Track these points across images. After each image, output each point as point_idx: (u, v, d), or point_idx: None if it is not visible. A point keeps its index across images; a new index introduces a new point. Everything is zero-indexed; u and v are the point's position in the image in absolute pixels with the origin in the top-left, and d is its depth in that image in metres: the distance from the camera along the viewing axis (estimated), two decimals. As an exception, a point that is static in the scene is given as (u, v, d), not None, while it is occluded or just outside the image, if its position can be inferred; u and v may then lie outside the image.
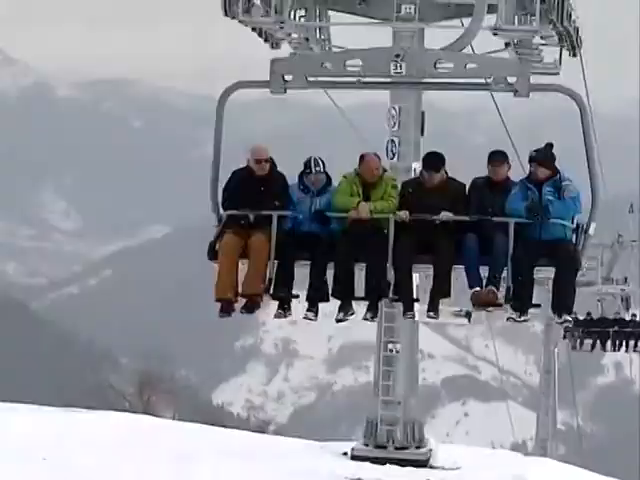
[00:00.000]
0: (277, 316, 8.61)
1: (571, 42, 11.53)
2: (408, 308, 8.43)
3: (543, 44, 12.00)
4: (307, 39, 11.26)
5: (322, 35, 11.59)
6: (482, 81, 8.09)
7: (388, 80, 7.96)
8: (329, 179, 8.66)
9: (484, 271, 8.24)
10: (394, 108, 11.48)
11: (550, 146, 8.22)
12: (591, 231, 8.08)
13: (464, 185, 8.55)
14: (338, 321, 8.43)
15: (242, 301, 8.49)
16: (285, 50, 11.20)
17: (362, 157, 8.58)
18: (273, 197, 8.46)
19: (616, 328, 30.70)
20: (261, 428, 43.56)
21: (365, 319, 8.42)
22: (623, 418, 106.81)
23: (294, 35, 11.30)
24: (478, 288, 8.14)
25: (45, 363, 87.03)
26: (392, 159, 11.60)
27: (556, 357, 32.47)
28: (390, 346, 12.29)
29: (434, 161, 8.47)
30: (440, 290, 8.26)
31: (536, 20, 10.24)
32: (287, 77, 8.23)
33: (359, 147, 10.38)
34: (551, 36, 11.28)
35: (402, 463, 12.10)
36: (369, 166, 8.46)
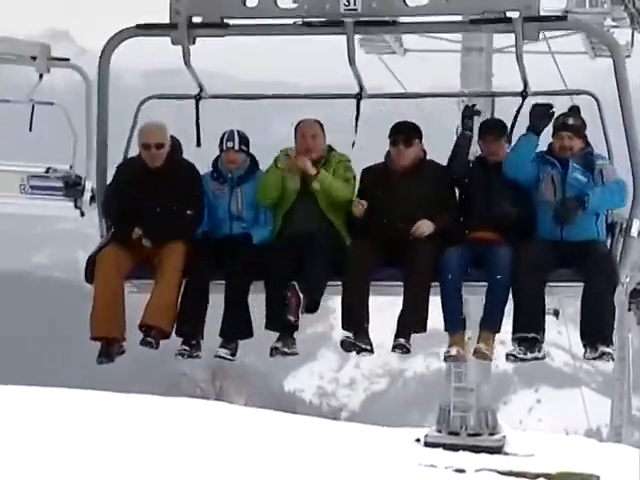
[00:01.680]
0: (181, 354, 6.09)
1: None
2: (360, 342, 5.89)
3: (615, 26, 11.68)
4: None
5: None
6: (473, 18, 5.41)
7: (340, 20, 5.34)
8: (254, 162, 6.37)
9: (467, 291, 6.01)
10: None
11: (577, 110, 6.15)
12: (634, 231, 5.70)
13: (446, 169, 6.34)
14: (285, 354, 5.89)
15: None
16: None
17: (296, 126, 6.32)
18: (170, 195, 6.05)
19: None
20: (333, 415, 43.81)
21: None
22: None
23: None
24: (453, 350, 5.88)
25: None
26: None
27: (630, 343, 31.78)
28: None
29: (404, 130, 6.17)
30: (411, 320, 5.94)
31: (607, 2, 9.76)
32: (195, 20, 5.48)
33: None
34: (623, 18, 11.00)
35: (475, 450, 12.09)
36: (303, 132, 6.18)
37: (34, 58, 9.87)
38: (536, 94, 5.77)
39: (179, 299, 5.94)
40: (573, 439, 17.95)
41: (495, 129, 6.20)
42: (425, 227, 5.89)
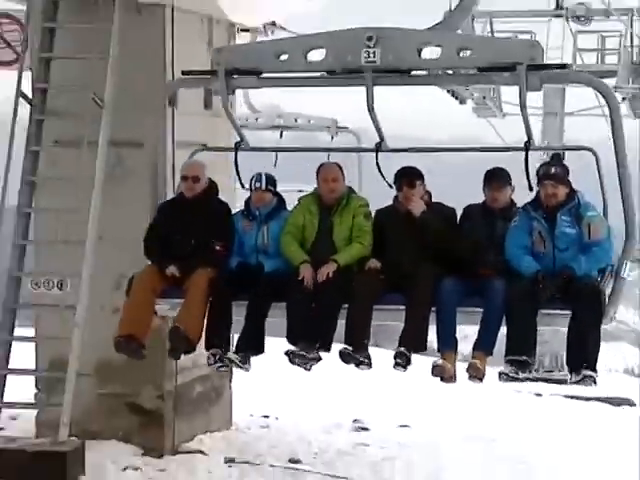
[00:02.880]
0: (210, 364, 6.45)
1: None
2: (359, 355, 6.08)
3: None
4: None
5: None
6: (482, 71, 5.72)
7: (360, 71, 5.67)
8: (281, 201, 6.80)
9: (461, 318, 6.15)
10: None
11: (559, 157, 6.37)
12: (624, 274, 5.70)
13: (453, 210, 6.58)
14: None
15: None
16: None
17: (318, 169, 6.62)
18: (202, 229, 6.49)
19: None
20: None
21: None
22: None
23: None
24: (440, 361, 6.00)
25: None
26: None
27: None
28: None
29: (409, 174, 6.41)
30: (412, 340, 6.10)
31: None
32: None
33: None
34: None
35: (548, 381, 16.48)
36: (325, 175, 6.52)
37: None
38: (539, 149, 6.24)
39: (205, 318, 6.34)
40: (614, 375, 22.96)
41: (500, 177, 6.34)
42: (419, 205, 6.27)
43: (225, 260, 6.51)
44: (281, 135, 16.55)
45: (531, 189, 6.09)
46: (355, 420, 11.27)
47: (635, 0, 19.65)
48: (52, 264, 8.52)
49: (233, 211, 6.86)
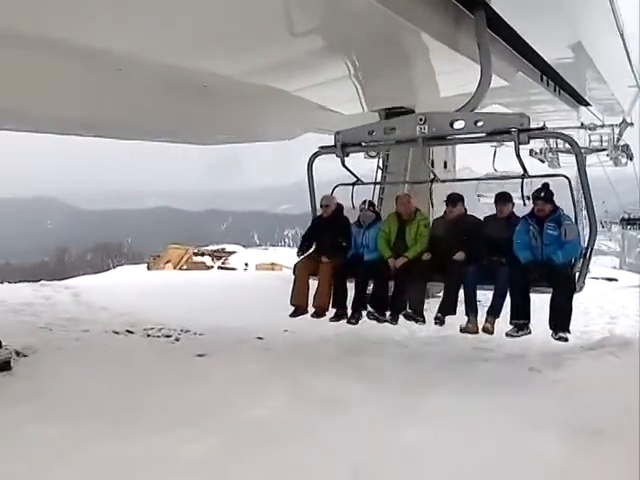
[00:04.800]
0: (332, 320, 9.85)
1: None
2: (418, 315, 9.22)
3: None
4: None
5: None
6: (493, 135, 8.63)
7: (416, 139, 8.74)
8: (377, 216, 10.27)
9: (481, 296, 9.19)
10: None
11: (547, 185, 8.90)
12: (588, 256, 8.71)
13: (480, 220, 9.61)
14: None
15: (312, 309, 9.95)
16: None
17: (397, 197, 10.17)
18: (333, 234, 10.02)
19: None
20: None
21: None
22: None
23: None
24: (466, 323, 8.96)
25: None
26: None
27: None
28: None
29: (453, 198, 9.63)
30: (447, 307, 9.13)
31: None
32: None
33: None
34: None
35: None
36: (401, 201, 9.93)
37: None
38: (531, 177, 8.90)
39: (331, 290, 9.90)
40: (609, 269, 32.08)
41: (505, 198, 9.42)
42: (459, 256, 9.15)
43: (347, 252, 10.01)
44: None
45: (525, 204, 9.11)
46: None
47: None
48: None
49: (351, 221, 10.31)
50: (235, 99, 11.21)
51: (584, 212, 8.81)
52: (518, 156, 8.25)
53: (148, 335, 10.39)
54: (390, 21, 8.31)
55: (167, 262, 37.82)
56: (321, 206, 10.22)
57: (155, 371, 7.96)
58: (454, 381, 7.93)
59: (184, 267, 35.75)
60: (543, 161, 34.15)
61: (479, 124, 8.33)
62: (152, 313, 11.86)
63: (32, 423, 6.16)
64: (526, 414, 6.42)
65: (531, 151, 33.12)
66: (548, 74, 14.21)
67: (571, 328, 8.45)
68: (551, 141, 33.62)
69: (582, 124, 30.41)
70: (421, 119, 8.57)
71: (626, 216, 40.11)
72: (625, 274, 28.55)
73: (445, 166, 18.97)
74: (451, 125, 8.50)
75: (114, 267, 32.28)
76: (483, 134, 8.42)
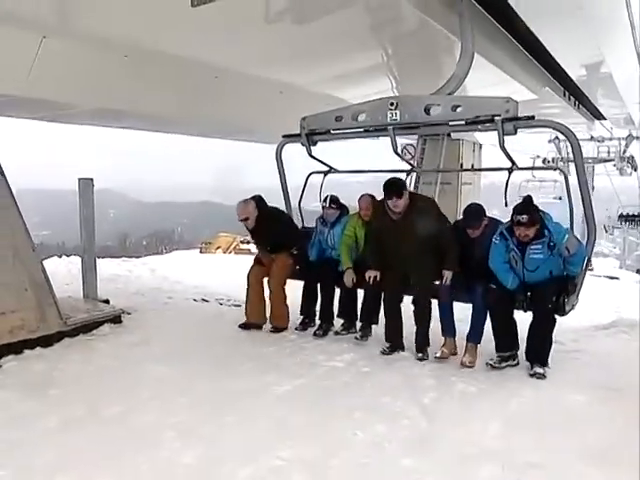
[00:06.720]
0: (297, 329, 8.53)
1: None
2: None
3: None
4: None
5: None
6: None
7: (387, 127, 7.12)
8: (342, 211, 8.57)
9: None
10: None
11: (530, 200, 6.70)
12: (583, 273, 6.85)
13: (432, 200, 7.71)
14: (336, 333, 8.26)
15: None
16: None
17: (360, 198, 8.37)
18: (265, 239, 8.54)
19: None
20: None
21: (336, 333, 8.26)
22: None
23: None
24: (438, 353, 7.20)
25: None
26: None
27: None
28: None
29: (393, 187, 7.19)
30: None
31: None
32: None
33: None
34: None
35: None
36: (360, 206, 8.24)
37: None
38: (521, 169, 7.26)
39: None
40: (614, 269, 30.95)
41: (474, 217, 7.11)
42: (448, 275, 7.18)
43: (301, 250, 8.58)
44: None
45: (506, 205, 6.96)
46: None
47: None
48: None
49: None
50: (302, 101, 10.53)
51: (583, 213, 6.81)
52: (503, 148, 6.53)
53: (220, 304, 10.81)
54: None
55: (217, 248, 38.59)
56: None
57: (235, 330, 8.47)
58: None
59: (232, 253, 36.42)
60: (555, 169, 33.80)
61: (458, 109, 6.61)
62: (216, 287, 12.27)
63: (149, 363, 6.86)
64: (554, 376, 6.71)
65: (544, 160, 32.69)
66: (570, 89, 14.01)
67: (582, 313, 7.38)
68: (563, 150, 33.18)
69: (592, 137, 30.89)
70: (392, 103, 6.92)
71: (624, 212, 40.30)
72: (626, 273, 28.74)
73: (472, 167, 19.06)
74: (427, 111, 6.80)
75: (169, 252, 32.98)
76: (462, 122, 6.65)
